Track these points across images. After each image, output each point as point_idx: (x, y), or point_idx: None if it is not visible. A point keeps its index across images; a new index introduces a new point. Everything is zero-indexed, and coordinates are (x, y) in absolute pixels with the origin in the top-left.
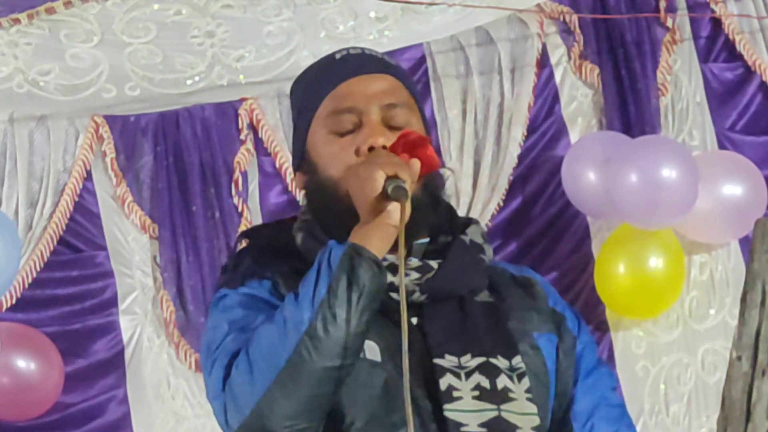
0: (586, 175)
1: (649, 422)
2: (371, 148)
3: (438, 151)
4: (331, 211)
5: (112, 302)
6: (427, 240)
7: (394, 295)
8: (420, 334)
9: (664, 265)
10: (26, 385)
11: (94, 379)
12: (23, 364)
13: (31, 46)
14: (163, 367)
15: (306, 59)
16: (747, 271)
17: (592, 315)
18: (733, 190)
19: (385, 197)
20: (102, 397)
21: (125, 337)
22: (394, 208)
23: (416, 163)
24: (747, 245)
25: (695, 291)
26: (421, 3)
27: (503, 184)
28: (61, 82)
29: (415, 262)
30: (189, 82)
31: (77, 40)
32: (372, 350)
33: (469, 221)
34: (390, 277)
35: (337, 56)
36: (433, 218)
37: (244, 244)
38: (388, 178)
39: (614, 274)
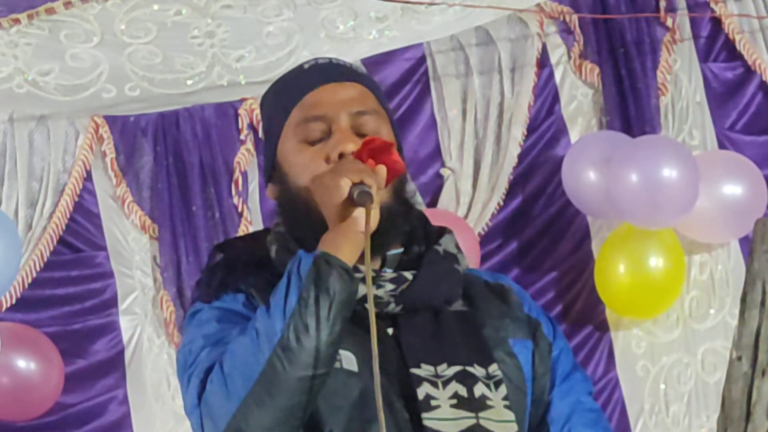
0: (586, 174)
1: (649, 422)
2: (341, 155)
3: (437, 151)
4: (304, 222)
5: (112, 302)
6: (400, 250)
7: (368, 305)
8: (396, 345)
9: (664, 265)
10: (26, 385)
11: (94, 379)
12: (23, 364)
13: (31, 46)
14: (163, 367)
15: (306, 59)
16: (747, 271)
17: (592, 315)
18: (733, 189)
19: (351, 203)
20: (102, 397)
21: (125, 338)
22: (359, 213)
23: (382, 169)
24: (747, 245)
25: (695, 291)
26: (421, 3)
27: (503, 184)
28: (61, 82)
29: (389, 273)
30: (189, 82)
31: (77, 41)
32: (349, 360)
33: (442, 231)
34: (363, 288)
35: (306, 66)
36: (405, 225)
37: (217, 258)
38: (354, 185)
39: (614, 273)
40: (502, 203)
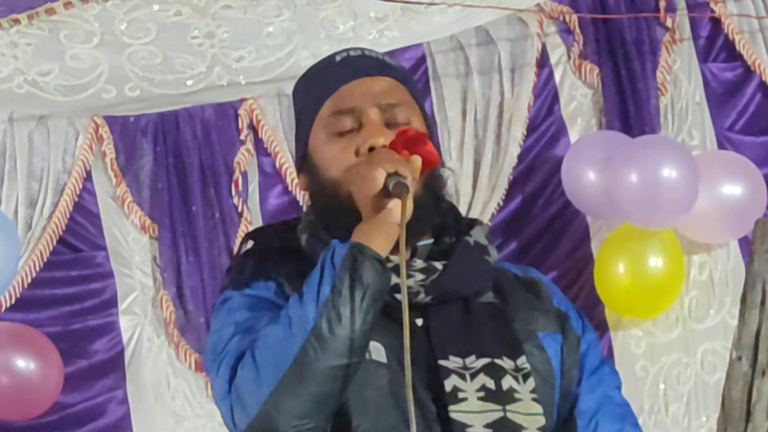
0: (585, 174)
1: (648, 422)
2: (371, 149)
3: (438, 150)
4: (334, 212)
5: (112, 302)
6: (431, 241)
7: (398, 295)
8: (425, 336)
9: (663, 265)
10: (26, 385)
11: (93, 379)
12: (23, 364)
13: (31, 46)
14: (163, 367)
15: (306, 59)
16: (747, 271)
17: (592, 314)
18: (733, 190)
19: (386, 194)
20: (102, 397)
21: (125, 338)
22: (395, 205)
23: (417, 160)
24: (747, 245)
25: (695, 291)
26: (421, 3)
27: (503, 184)
28: (61, 83)
29: (419, 263)
30: (189, 82)
31: (77, 41)
32: (378, 351)
33: (473, 222)
34: (394, 278)
35: (337, 58)
36: (436, 217)
37: (248, 245)
38: (389, 176)
39: (614, 273)
40: (501, 203)
